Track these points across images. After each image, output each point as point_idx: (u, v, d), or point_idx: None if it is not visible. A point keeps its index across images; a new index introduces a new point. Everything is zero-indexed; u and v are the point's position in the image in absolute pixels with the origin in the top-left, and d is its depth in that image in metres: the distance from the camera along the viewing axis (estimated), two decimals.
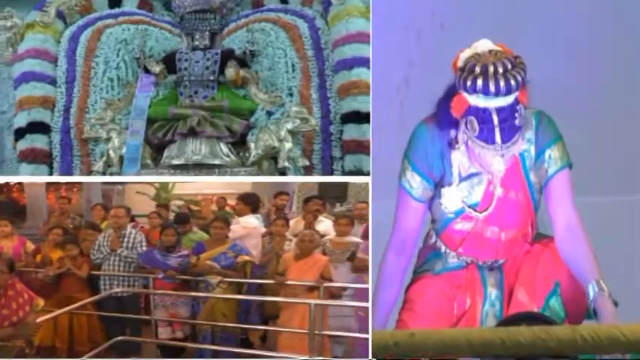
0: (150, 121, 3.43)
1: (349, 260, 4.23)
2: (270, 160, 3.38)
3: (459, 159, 2.72)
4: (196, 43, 3.57)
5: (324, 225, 4.75)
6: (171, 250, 4.29)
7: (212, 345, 4.05)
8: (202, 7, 3.61)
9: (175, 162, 3.35)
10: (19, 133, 3.54)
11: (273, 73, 3.50)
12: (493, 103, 2.53)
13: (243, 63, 3.47)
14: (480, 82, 2.51)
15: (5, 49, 3.71)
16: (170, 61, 3.52)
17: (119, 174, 3.52)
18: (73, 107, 3.57)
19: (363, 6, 3.51)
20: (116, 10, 3.78)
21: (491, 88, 2.50)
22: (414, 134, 2.77)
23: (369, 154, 3.43)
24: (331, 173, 3.52)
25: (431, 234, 2.92)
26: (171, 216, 5.43)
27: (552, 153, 2.69)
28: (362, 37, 3.44)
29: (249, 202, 4.93)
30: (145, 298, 4.44)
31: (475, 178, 2.70)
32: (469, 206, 2.73)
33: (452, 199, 2.73)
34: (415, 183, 2.74)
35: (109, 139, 3.46)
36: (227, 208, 5.71)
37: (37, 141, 3.53)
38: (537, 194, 2.74)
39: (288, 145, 3.36)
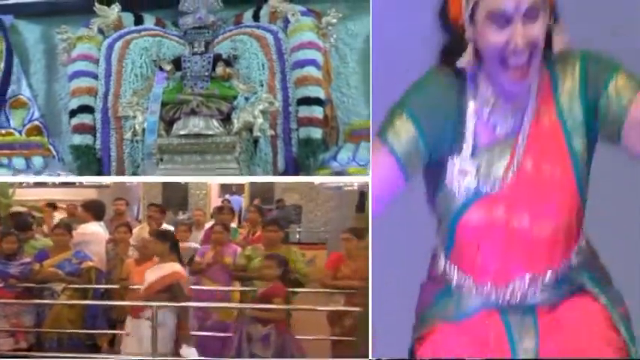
0: (163, 104, 3.86)
1: (188, 264, 4.15)
2: (247, 131, 3.82)
3: (477, 112, 1.80)
4: (195, 49, 3.99)
5: None
6: (12, 257, 3.85)
7: (59, 352, 3.61)
8: (199, 24, 4.01)
9: (181, 132, 3.77)
10: (73, 113, 4.02)
11: (249, 71, 3.93)
12: None
13: (228, 63, 3.91)
14: None
15: (62, 54, 4.14)
16: (177, 62, 3.97)
17: (143, 142, 3.87)
18: (110, 95, 4.00)
19: (312, 23, 3.90)
20: (139, 27, 4.18)
21: None
22: (420, 79, 1.86)
23: (316, 127, 3.86)
24: (290, 141, 3.88)
25: (438, 257, 1.93)
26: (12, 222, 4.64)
27: (617, 82, 1.75)
28: (311, 45, 3.88)
29: (92, 209, 4.64)
30: None
31: (497, 146, 1.78)
32: (483, 185, 1.77)
33: (463, 172, 1.75)
34: (405, 133, 1.79)
35: (135, 117, 3.92)
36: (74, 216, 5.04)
37: (85, 118, 4.01)
38: (584, 167, 1.79)
39: (260, 120, 3.82)
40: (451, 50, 1.80)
